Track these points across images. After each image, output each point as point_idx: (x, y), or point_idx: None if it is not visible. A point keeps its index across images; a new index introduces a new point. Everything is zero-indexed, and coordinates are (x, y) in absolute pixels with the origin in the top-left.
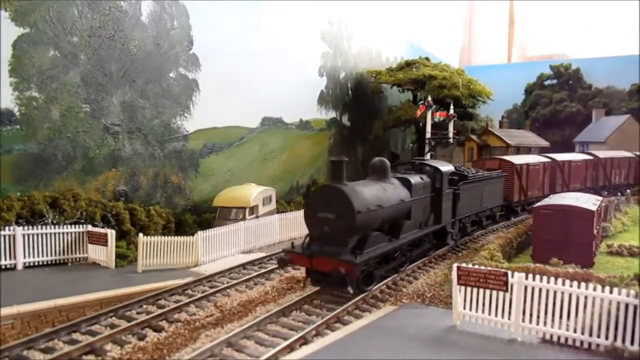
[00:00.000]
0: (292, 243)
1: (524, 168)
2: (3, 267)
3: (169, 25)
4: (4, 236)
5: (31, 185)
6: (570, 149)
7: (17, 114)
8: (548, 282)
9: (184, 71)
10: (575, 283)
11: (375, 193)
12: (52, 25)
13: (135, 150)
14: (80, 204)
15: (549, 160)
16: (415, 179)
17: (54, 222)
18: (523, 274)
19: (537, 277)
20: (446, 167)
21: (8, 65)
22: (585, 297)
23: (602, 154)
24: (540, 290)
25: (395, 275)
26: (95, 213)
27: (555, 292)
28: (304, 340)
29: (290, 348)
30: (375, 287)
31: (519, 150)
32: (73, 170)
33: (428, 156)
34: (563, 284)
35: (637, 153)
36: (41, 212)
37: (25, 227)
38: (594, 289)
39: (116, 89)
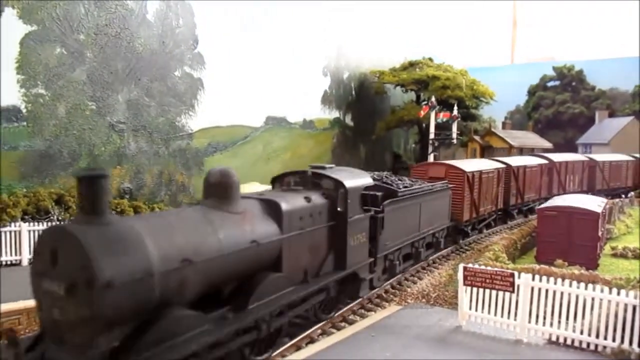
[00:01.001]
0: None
1: (476, 177)
2: (9, 262)
3: (174, 24)
4: (10, 232)
5: (37, 181)
6: (573, 150)
7: (24, 111)
8: (555, 283)
9: (189, 70)
10: (582, 284)
11: (188, 234)
12: (59, 22)
13: (140, 148)
14: None
15: (503, 165)
16: (294, 201)
17: (59, 218)
18: (530, 275)
19: (544, 278)
20: (357, 180)
21: (15, 62)
22: (592, 299)
23: (557, 157)
24: (547, 291)
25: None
26: None
27: (562, 294)
28: (310, 339)
29: (297, 347)
30: None
31: (521, 151)
32: (78, 167)
33: (431, 157)
34: (570, 285)
35: (590, 156)
36: (47, 209)
37: (31, 223)
38: (601, 291)
39: (122, 86)
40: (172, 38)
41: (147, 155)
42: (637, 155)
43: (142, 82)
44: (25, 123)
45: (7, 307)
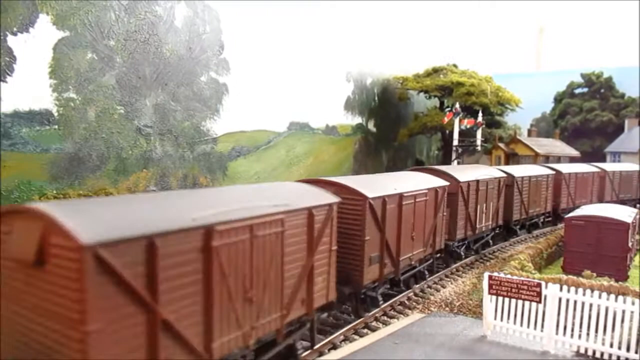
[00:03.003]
0: None
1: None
2: None
3: (201, 30)
4: None
5: (66, 183)
6: (601, 159)
7: (56, 114)
8: (584, 294)
9: (215, 75)
10: (612, 297)
11: None
12: (91, 29)
13: (166, 152)
14: None
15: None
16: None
17: None
18: (558, 286)
19: (573, 289)
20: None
21: (48, 67)
22: (623, 311)
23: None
24: (575, 302)
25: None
26: None
27: (591, 305)
28: (333, 345)
29: (319, 352)
30: None
31: (548, 159)
32: (106, 170)
33: (455, 164)
34: (600, 297)
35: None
36: None
37: None
38: (632, 303)
39: (149, 91)
40: (198, 44)
41: (173, 159)
42: None
43: (169, 87)
44: (56, 126)
45: None
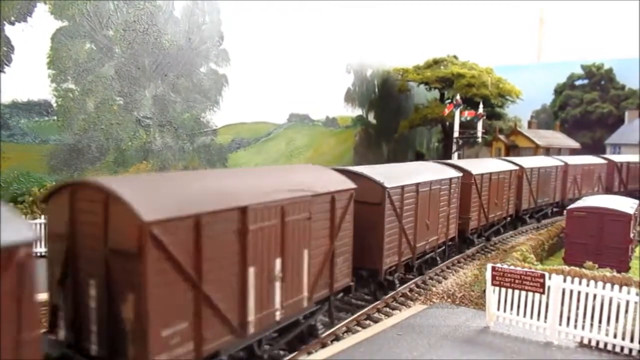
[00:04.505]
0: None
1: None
2: (39, 254)
3: (200, 21)
4: (40, 224)
5: (65, 175)
6: (601, 151)
7: (54, 105)
8: (587, 285)
9: (214, 66)
10: (616, 287)
11: None
12: (89, 18)
13: (166, 144)
14: None
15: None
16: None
17: None
18: (561, 277)
19: (576, 280)
20: None
21: (46, 57)
22: (627, 302)
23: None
24: (579, 293)
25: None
26: None
27: (594, 296)
28: (335, 337)
29: (322, 344)
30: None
31: (548, 151)
32: (106, 162)
33: (455, 156)
34: (603, 288)
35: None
36: None
37: None
38: (636, 294)
39: (148, 82)
40: (198, 35)
41: (173, 151)
42: None
43: (169, 78)
44: (55, 117)
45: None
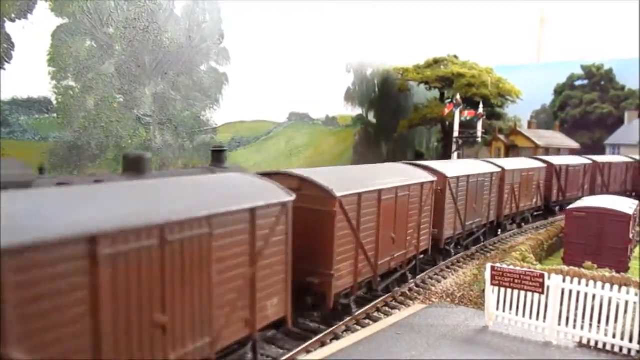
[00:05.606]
0: None
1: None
2: None
3: (201, 19)
4: None
5: (65, 172)
6: (600, 151)
7: (54, 102)
8: (587, 285)
9: (215, 64)
10: (615, 288)
11: None
12: (90, 16)
13: (166, 142)
14: None
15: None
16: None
17: None
18: (560, 277)
19: (575, 280)
20: None
21: (47, 55)
22: (626, 302)
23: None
24: (578, 293)
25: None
26: None
27: (594, 296)
28: (334, 336)
29: (321, 343)
30: None
31: (547, 151)
32: (105, 159)
33: (455, 156)
34: (602, 288)
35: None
36: None
37: None
38: (635, 294)
39: (149, 80)
40: (198, 33)
41: (172, 149)
42: None
43: (169, 76)
44: (55, 115)
45: None
